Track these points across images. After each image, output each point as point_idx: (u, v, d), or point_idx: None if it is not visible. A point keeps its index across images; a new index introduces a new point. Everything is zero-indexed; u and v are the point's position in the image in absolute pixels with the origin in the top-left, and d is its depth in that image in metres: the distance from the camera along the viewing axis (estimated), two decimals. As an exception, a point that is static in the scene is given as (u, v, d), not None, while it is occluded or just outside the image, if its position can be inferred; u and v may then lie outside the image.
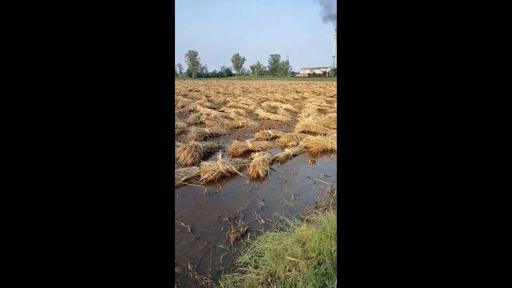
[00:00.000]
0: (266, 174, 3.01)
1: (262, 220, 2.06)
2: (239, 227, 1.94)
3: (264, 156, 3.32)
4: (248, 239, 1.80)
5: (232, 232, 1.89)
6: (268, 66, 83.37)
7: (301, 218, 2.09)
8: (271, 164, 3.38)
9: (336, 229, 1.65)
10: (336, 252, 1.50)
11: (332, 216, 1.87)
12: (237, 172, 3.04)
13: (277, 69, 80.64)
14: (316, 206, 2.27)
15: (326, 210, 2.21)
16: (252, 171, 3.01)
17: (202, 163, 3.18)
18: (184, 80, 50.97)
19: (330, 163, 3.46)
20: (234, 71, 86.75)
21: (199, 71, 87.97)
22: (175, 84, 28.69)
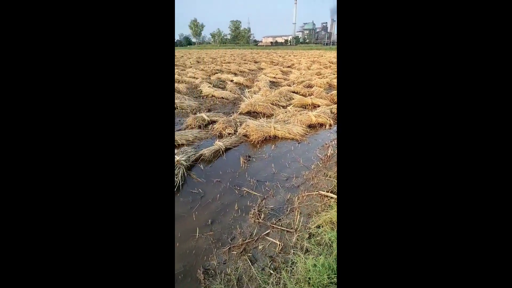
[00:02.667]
0: (178, 187, 2.13)
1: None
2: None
3: (178, 158, 2.41)
4: None
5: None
6: (229, 34, 78.01)
7: None
8: (190, 167, 2.49)
9: None
10: None
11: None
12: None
13: (239, 36, 75.93)
14: (229, 248, 1.49)
15: (243, 253, 1.44)
16: (155, 184, 2.10)
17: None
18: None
19: (268, 159, 2.69)
20: (193, 40, 79.79)
21: (153, 40, 79.04)
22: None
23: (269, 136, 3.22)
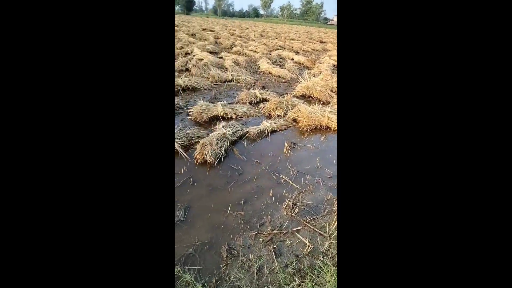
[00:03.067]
0: (220, 159, 2.17)
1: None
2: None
3: (225, 132, 2.42)
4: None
5: None
6: (299, 9, 73.73)
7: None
8: (234, 142, 2.49)
9: None
10: None
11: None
12: (180, 151, 2.21)
13: (309, 12, 71.16)
14: (256, 233, 1.46)
15: (269, 243, 1.39)
16: (199, 153, 2.16)
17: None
18: (207, 17, 46.81)
19: (314, 151, 2.51)
20: (261, 12, 78.13)
21: (224, 9, 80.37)
22: (192, 20, 26.21)
23: (321, 126, 2.99)
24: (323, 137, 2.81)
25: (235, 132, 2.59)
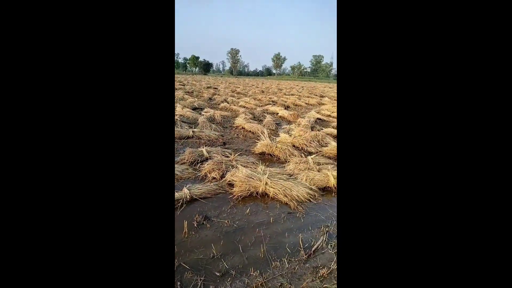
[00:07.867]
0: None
1: None
2: None
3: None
4: None
5: None
6: (309, 67, 79.93)
7: None
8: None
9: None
10: None
11: None
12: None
13: (319, 70, 76.66)
14: None
15: None
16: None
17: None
18: (221, 77, 51.70)
19: (227, 229, 1.89)
20: (274, 71, 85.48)
21: (240, 69, 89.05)
22: (205, 79, 28.74)
23: (256, 192, 2.43)
24: (247, 209, 2.21)
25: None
